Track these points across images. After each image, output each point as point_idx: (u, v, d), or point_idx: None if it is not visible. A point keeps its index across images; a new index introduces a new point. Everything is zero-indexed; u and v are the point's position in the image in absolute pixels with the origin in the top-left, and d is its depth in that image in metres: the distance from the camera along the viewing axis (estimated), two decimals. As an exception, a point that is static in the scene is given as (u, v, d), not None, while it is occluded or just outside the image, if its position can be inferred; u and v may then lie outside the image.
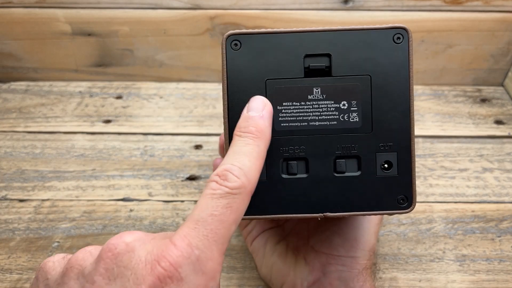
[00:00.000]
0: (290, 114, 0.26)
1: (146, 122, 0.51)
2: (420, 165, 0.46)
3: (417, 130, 0.50)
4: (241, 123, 0.24)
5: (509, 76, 0.55)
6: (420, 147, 0.48)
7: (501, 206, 0.42)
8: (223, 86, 0.26)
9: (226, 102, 0.26)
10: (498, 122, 0.51)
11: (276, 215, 0.26)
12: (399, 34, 0.25)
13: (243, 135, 0.23)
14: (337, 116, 0.26)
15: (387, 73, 0.25)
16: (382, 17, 0.51)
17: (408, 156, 0.26)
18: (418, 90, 0.55)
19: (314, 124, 0.26)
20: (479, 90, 0.55)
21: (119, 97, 0.55)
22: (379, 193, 0.26)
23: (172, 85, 0.57)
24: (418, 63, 0.55)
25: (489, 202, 0.42)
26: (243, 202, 0.21)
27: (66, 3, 0.51)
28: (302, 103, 0.26)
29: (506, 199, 0.42)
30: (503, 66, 0.55)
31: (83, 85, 0.56)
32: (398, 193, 0.26)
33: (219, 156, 0.43)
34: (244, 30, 0.26)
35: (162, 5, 0.52)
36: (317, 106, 0.26)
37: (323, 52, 0.26)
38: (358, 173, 0.26)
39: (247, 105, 0.25)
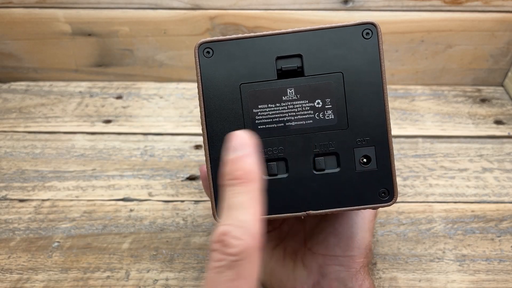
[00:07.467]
0: (267, 116, 0.26)
1: (146, 122, 0.51)
2: (420, 165, 0.46)
3: (417, 130, 0.50)
4: (225, 170, 0.20)
5: (509, 76, 0.55)
6: (420, 147, 0.48)
7: (501, 206, 0.42)
8: (198, 94, 0.26)
9: (203, 109, 0.26)
10: (498, 122, 0.51)
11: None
12: (368, 30, 0.25)
13: (230, 183, 0.20)
14: (313, 115, 0.26)
15: (359, 69, 0.26)
16: (382, 17, 0.51)
17: (386, 149, 0.26)
18: (418, 90, 0.56)
19: (291, 124, 0.26)
20: (479, 90, 0.56)
21: (119, 97, 0.55)
22: (360, 188, 0.26)
23: (172, 85, 0.57)
24: (418, 63, 0.55)
25: (489, 202, 0.42)
26: (253, 264, 0.18)
27: (66, 3, 0.51)
28: (277, 104, 0.26)
29: (506, 199, 0.42)
30: (503, 66, 0.55)
31: (83, 85, 0.56)
32: (379, 187, 0.26)
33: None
34: (215, 38, 0.26)
35: (162, 5, 0.52)
36: (292, 106, 0.26)
37: (294, 53, 0.26)
38: (337, 170, 0.26)
39: (226, 146, 0.21)
